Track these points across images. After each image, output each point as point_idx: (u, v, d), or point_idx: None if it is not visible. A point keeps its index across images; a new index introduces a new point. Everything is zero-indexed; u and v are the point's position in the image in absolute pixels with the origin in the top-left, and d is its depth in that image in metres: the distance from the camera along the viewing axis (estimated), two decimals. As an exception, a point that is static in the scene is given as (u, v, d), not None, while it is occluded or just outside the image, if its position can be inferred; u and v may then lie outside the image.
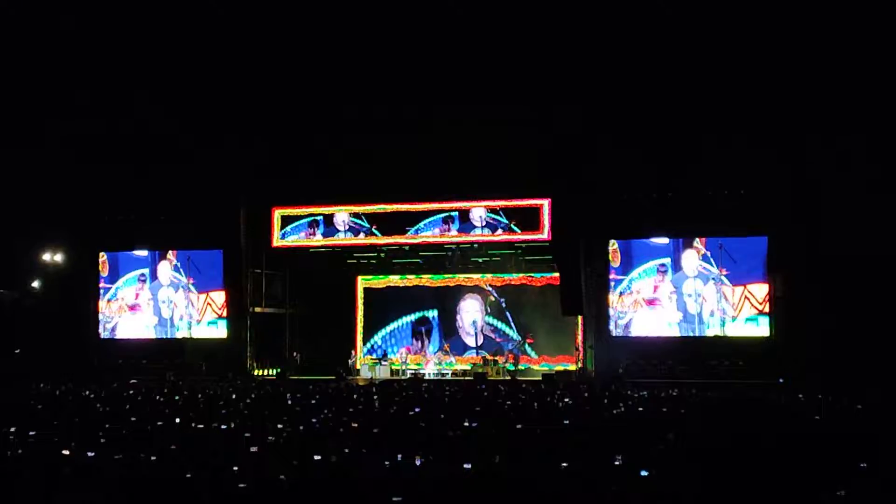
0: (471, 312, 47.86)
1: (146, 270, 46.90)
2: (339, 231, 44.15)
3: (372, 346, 48.79)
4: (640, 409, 21.85)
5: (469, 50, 40.54)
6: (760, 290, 40.24)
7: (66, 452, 12.82)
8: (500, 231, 42.53)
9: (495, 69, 40.53)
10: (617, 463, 11.50)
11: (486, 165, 41.45)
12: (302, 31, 41.49)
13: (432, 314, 48.39)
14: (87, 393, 28.77)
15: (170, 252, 46.53)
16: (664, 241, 41.56)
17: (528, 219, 42.12)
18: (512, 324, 46.95)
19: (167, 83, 42.35)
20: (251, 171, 43.64)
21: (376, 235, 43.78)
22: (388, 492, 10.08)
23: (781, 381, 36.47)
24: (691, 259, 41.18)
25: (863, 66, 37.49)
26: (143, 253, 46.86)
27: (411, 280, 48.70)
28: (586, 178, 40.74)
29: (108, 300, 47.30)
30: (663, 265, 41.47)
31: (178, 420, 18.04)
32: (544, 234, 41.86)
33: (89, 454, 12.54)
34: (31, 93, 42.81)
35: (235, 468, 11.29)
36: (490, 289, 47.55)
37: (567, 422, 17.39)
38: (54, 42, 41.71)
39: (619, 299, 41.80)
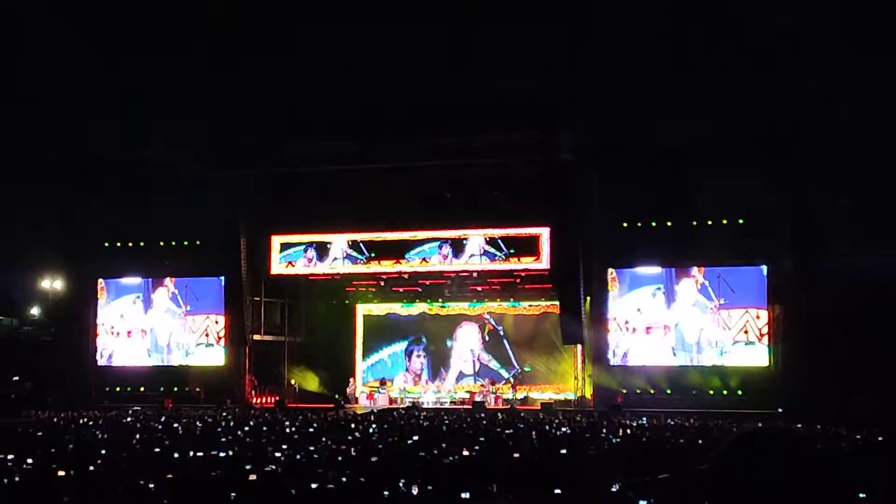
0: (467, 341, 47.82)
1: (141, 296, 46.82)
2: (336, 259, 44.12)
3: (366, 370, 48.78)
4: (644, 438, 21.85)
5: (468, 77, 40.67)
6: (760, 318, 40.24)
7: (61, 473, 12.83)
8: (498, 259, 42.53)
9: (493, 97, 40.59)
10: (614, 490, 11.49)
11: (486, 194, 41.57)
12: (300, 55, 41.64)
13: (430, 342, 48.35)
14: (85, 420, 28.75)
15: (167, 279, 46.51)
16: (658, 270, 41.61)
17: (527, 247, 42.13)
18: (510, 352, 46.91)
19: (167, 110, 42.39)
20: (250, 198, 43.62)
21: (375, 262, 43.76)
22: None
23: (780, 410, 36.44)
24: (689, 288, 41.19)
25: (860, 97, 37.61)
26: (137, 280, 46.80)
27: (410, 309, 48.69)
28: (585, 207, 40.76)
29: (101, 324, 47.16)
30: (661, 292, 41.48)
31: (176, 447, 18.03)
32: (544, 263, 41.85)
33: (86, 480, 12.54)
34: (31, 120, 42.88)
35: (234, 495, 11.28)
36: (488, 317, 47.54)
37: (564, 451, 17.39)
38: (54, 68, 41.84)
39: (617, 326, 41.78)
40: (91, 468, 14.04)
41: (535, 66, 39.98)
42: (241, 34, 41.60)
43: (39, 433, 22.29)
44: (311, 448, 17.77)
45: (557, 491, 11.25)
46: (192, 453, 16.50)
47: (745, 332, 40.42)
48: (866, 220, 37.71)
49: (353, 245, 43.94)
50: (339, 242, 44.11)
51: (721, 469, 3.08)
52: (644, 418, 31.25)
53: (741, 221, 40.38)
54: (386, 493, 11.59)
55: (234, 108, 41.99)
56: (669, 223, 41.21)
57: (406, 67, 41.20)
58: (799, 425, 27.75)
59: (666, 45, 39.28)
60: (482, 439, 19.79)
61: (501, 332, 47.29)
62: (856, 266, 37.77)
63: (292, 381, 47.01)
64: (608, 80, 39.85)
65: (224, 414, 33.78)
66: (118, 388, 45.54)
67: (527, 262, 42.26)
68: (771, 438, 3.10)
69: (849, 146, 37.95)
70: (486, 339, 47.56)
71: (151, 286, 46.82)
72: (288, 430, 23.90)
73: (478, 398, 43.60)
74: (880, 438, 20.48)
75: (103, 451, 16.40)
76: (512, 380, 46.00)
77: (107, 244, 46.73)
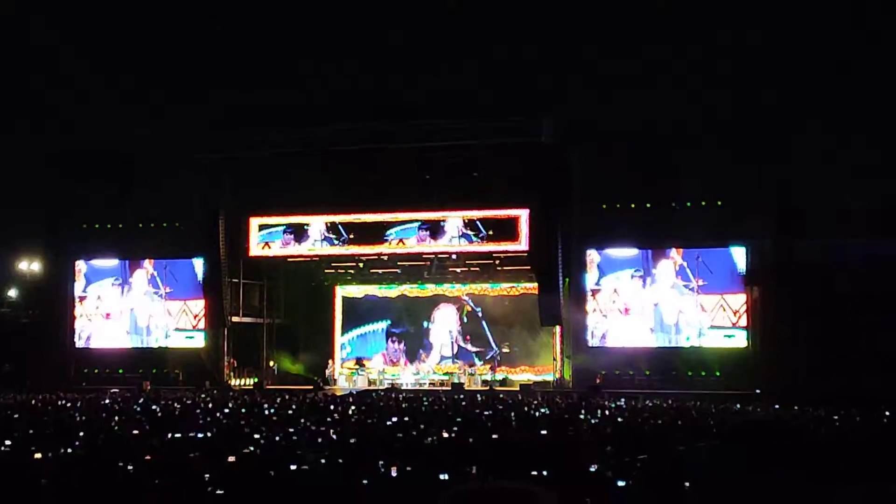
0: (446, 322, 47.85)
1: (120, 279, 46.69)
2: (315, 240, 44.07)
3: (347, 343, 48.82)
4: (622, 419, 21.88)
5: (449, 61, 40.59)
6: (737, 300, 40.36)
7: (38, 456, 12.79)
8: (477, 241, 42.54)
9: (475, 80, 40.57)
10: (593, 470, 11.51)
11: (465, 176, 41.54)
12: (281, 40, 41.49)
13: (409, 323, 48.36)
14: (64, 402, 28.66)
15: (146, 261, 46.35)
16: (637, 252, 41.68)
17: (506, 229, 42.15)
18: (488, 334, 46.95)
19: (144, 92, 42.23)
20: (229, 180, 43.49)
21: (353, 245, 43.74)
22: (364, 503, 10.07)
23: (758, 391, 36.57)
24: (667, 270, 41.27)
25: (838, 85, 37.70)
26: (116, 262, 46.66)
27: (390, 290, 48.66)
28: (565, 189, 40.76)
29: (80, 305, 47.04)
30: (639, 273, 41.55)
31: (154, 429, 17.99)
32: (522, 245, 41.87)
33: (64, 462, 12.51)
34: (10, 103, 42.67)
35: (211, 476, 11.26)
36: (466, 299, 47.54)
37: (544, 432, 17.41)
38: (32, 53, 41.61)
39: (595, 307, 41.84)
40: (69, 450, 14.00)
41: (515, 49, 39.95)
42: (220, 19, 41.42)
43: (17, 415, 22.19)
44: (290, 430, 17.75)
45: (535, 473, 11.25)
46: (170, 435, 16.46)
47: (723, 312, 40.54)
48: (845, 205, 37.79)
49: (332, 227, 43.89)
50: (317, 224, 44.05)
51: (722, 453, 3.09)
52: (622, 399, 31.29)
53: (720, 204, 40.46)
54: (365, 474, 11.58)
55: (214, 93, 41.87)
56: (649, 205, 41.26)
57: (384, 52, 41.10)
58: (776, 406, 27.88)
59: (647, 28, 39.27)
60: (461, 421, 19.79)
61: (480, 314, 47.32)
62: (834, 250, 37.90)
63: (271, 363, 47.00)
64: (589, 62, 39.83)
65: (203, 396, 33.72)
66: (97, 370, 45.47)
67: (506, 244, 42.30)
68: (772, 431, 3.11)
69: (828, 132, 38.03)
70: (465, 320, 47.61)
71: (130, 268, 46.68)
72: (267, 412, 23.86)
73: (457, 380, 43.65)
74: (857, 419, 20.59)
75: (81, 433, 16.34)
76: (491, 361, 46.04)
77: (85, 226, 46.60)
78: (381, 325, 48.88)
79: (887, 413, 22.71)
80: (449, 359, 47.22)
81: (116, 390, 38.29)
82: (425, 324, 48.09)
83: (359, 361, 47.26)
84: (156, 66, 42.05)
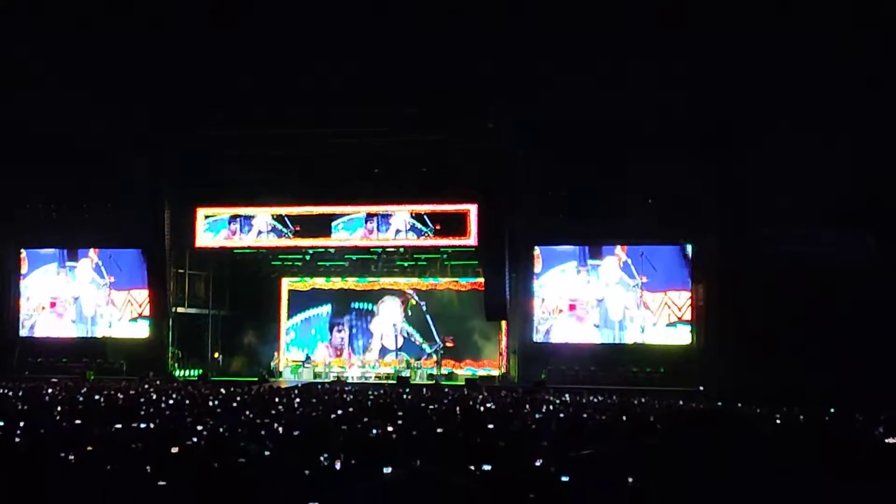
0: (390, 315, 47.92)
1: (64, 267, 46.41)
2: (261, 232, 43.99)
3: (288, 332, 48.82)
4: (567, 414, 21.97)
5: (399, 52, 40.51)
6: (681, 297, 40.68)
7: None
8: (424, 235, 42.61)
9: (424, 74, 40.55)
10: (537, 465, 11.56)
11: (413, 170, 41.56)
12: (231, 26, 41.23)
13: (354, 316, 48.39)
14: (5, 392, 28.42)
15: (91, 250, 46.10)
16: (582, 248, 41.91)
17: (455, 224, 42.24)
18: (433, 328, 47.04)
19: (92, 79, 41.82)
20: (174, 170, 43.24)
21: (299, 237, 43.71)
22: (308, 495, 10.07)
23: (701, 388, 36.87)
24: (612, 266, 41.51)
25: (786, 71, 37.97)
26: (59, 251, 46.43)
27: (336, 283, 48.65)
28: (512, 185, 40.85)
29: (24, 294, 46.79)
30: (584, 269, 41.78)
31: (97, 420, 17.88)
32: (472, 240, 41.98)
33: (5, 452, 12.41)
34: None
35: (152, 468, 11.22)
36: (411, 292, 47.63)
37: (491, 426, 17.47)
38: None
39: (540, 303, 42.04)
40: (10, 440, 13.89)
41: (465, 44, 39.93)
42: (170, 5, 41.10)
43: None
44: (234, 421, 17.71)
45: (482, 467, 11.29)
46: (113, 426, 16.37)
47: (668, 309, 40.85)
48: (790, 200, 38.07)
49: (278, 218, 43.83)
50: (263, 216, 43.98)
51: (670, 447, 3.10)
52: (567, 395, 31.43)
53: (665, 201, 40.72)
54: (308, 466, 11.58)
55: (160, 80, 41.56)
56: (595, 202, 41.45)
57: (335, 41, 40.94)
58: (719, 403, 28.11)
59: (595, 26, 39.35)
60: (406, 414, 19.82)
61: (424, 308, 47.44)
62: (779, 246, 38.20)
63: (216, 355, 46.84)
64: (537, 59, 39.89)
65: (146, 387, 33.55)
66: (40, 360, 45.12)
67: (454, 239, 42.39)
68: (722, 422, 3.12)
69: (775, 126, 38.29)
70: (409, 313, 47.70)
71: (74, 257, 46.39)
72: (211, 404, 23.78)
73: (402, 373, 43.71)
74: (801, 418, 20.77)
75: (22, 423, 16.21)
76: (434, 355, 46.15)
77: (30, 214, 46.22)
78: (325, 310, 48.85)
79: (831, 410, 22.95)
80: (394, 352, 47.28)
81: (55, 380, 38.01)
82: (371, 317, 48.15)
83: (306, 356, 47.29)
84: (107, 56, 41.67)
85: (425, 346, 46.98)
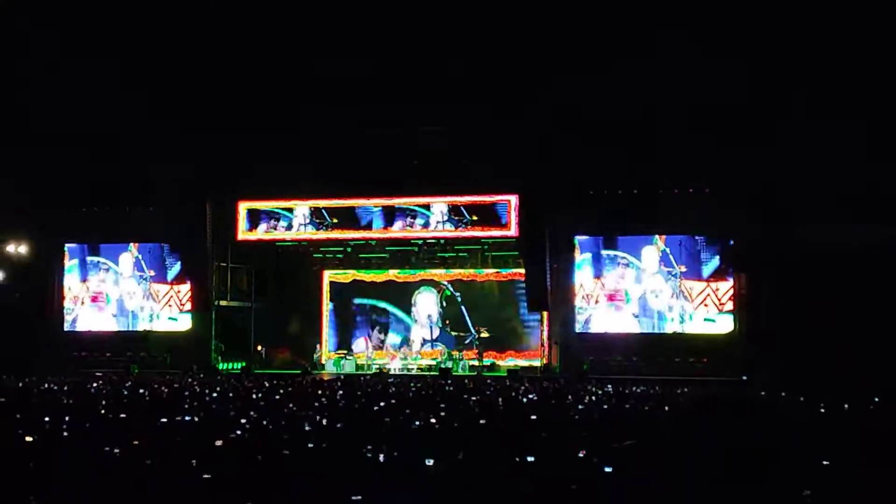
0: (426, 306, 47.96)
1: (107, 261, 46.73)
2: (302, 225, 44.09)
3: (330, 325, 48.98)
4: (609, 405, 21.91)
5: (438, 49, 40.46)
6: (723, 287, 40.48)
7: (29, 440, 12.81)
8: (463, 227, 42.57)
9: (463, 66, 40.48)
10: (580, 456, 11.55)
11: (453, 162, 41.49)
12: (270, 25, 41.32)
13: (396, 308, 48.43)
14: (50, 386, 28.62)
15: (132, 244, 46.35)
16: (622, 237, 41.81)
17: (494, 215, 42.19)
18: (467, 318, 47.06)
19: (135, 79, 42.04)
20: (218, 164, 43.38)
21: (339, 229, 43.76)
22: (350, 488, 10.10)
23: (745, 378, 36.70)
24: (652, 256, 41.37)
25: (829, 71, 37.68)
26: (103, 245, 46.78)
27: (377, 275, 48.71)
28: (552, 176, 40.75)
29: (67, 288, 47.14)
30: (624, 260, 41.66)
31: (142, 413, 17.99)
32: (511, 231, 41.93)
33: (53, 447, 12.52)
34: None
35: (197, 461, 11.28)
36: (446, 284, 47.65)
37: (533, 418, 17.44)
38: (30, 33, 41.47)
39: (582, 293, 41.96)
40: (57, 434, 14.01)
41: (506, 34, 39.86)
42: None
43: (4, 398, 22.18)
44: (277, 414, 17.77)
45: (525, 459, 11.29)
46: (157, 419, 16.47)
47: (710, 299, 40.67)
48: (831, 192, 37.79)
49: (316, 212, 43.89)
50: (302, 209, 44.06)
51: (685, 429, 3.10)
52: (609, 385, 31.33)
53: (707, 191, 40.56)
54: (352, 459, 11.61)
55: (203, 76, 41.73)
56: (635, 191, 41.35)
57: (375, 35, 40.95)
58: (763, 393, 27.95)
59: (633, 15, 39.18)
60: (448, 406, 19.83)
61: (459, 298, 47.46)
62: (821, 237, 37.91)
63: (258, 348, 47.01)
64: (577, 49, 39.74)
65: (190, 380, 33.72)
66: (84, 354, 45.45)
67: (494, 230, 42.34)
68: (734, 404, 3.12)
69: (816, 119, 38.01)
70: (444, 304, 47.69)
71: (117, 251, 46.68)
72: (254, 397, 23.88)
73: (444, 365, 43.73)
74: (846, 406, 20.64)
75: (68, 417, 16.34)
76: (470, 346, 46.17)
77: (72, 209, 46.59)
78: (366, 301, 48.98)
79: (875, 400, 22.80)
80: (428, 343, 47.32)
81: (100, 374, 38.25)
82: (412, 309, 48.18)
83: (349, 347, 47.45)
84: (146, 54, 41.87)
85: (461, 336, 46.92)
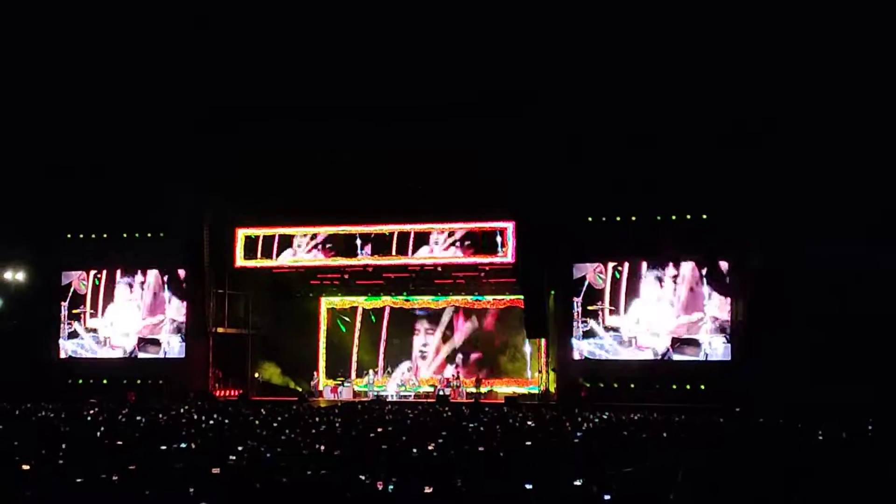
0: (423, 332, 47.91)
1: (104, 288, 46.74)
2: (299, 252, 44.06)
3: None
4: (607, 432, 21.90)
5: (434, 75, 40.58)
6: (720, 313, 40.49)
7: (26, 468, 12.78)
8: (461, 254, 42.52)
9: (458, 92, 40.60)
10: (578, 484, 11.52)
11: (450, 189, 41.41)
12: (269, 43, 41.45)
13: (393, 335, 48.35)
14: (47, 413, 28.58)
15: (130, 271, 46.38)
16: (620, 264, 41.85)
17: (491, 242, 42.16)
18: (468, 346, 47.08)
19: (132, 103, 42.16)
20: (215, 191, 43.33)
21: (337, 256, 43.74)
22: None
23: (738, 410, 36.62)
24: (653, 282, 41.39)
25: (821, 91, 37.83)
26: (100, 272, 46.76)
27: (374, 301, 48.65)
28: (550, 202, 40.77)
29: (64, 316, 47.12)
30: (624, 286, 41.70)
31: (139, 440, 17.97)
32: (508, 258, 41.92)
33: (50, 474, 12.49)
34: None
35: (195, 488, 11.26)
36: (451, 309, 47.54)
37: (529, 444, 17.44)
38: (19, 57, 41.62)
39: (580, 320, 41.97)
40: (53, 461, 13.98)
41: (504, 57, 39.98)
42: (212, 19, 41.34)
43: (1, 425, 22.14)
44: (275, 441, 17.75)
45: (524, 486, 11.27)
46: (155, 446, 16.44)
47: (710, 324, 40.66)
48: (830, 215, 37.87)
49: (316, 238, 43.89)
50: (302, 236, 44.04)
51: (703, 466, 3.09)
52: (607, 412, 31.33)
53: (704, 217, 40.61)
54: (349, 486, 11.59)
55: (201, 102, 41.87)
56: (634, 218, 41.40)
57: (373, 59, 41.06)
58: (761, 420, 27.93)
59: (634, 37, 39.32)
60: (446, 433, 19.81)
61: (472, 324, 47.39)
62: (818, 261, 37.95)
63: (256, 375, 46.91)
64: (576, 73, 39.88)
65: (187, 407, 33.67)
66: (80, 381, 45.39)
67: (491, 257, 42.32)
68: (747, 439, 3.11)
69: (814, 138, 38.14)
70: (446, 333, 47.63)
71: (114, 278, 46.68)
72: (252, 424, 23.85)
73: (442, 392, 43.66)
74: (843, 434, 20.62)
75: (65, 444, 16.32)
76: (468, 369, 46.19)
77: (69, 236, 46.66)
78: (364, 329, 48.89)
79: (869, 426, 22.81)
80: (433, 370, 47.23)
81: (94, 400, 38.22)
82: (410, 335, 48.12)
83: (344, 374, 47.35)
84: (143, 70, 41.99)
85: (461, 364, 46.82)
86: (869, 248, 37.83)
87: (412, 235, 43.07)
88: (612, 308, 41.92)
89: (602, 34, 39.23)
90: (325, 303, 49.37)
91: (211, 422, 24.42)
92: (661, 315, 41.26)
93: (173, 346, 45.89)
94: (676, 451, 15.49)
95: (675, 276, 41.15)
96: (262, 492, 11.47)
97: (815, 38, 37.01)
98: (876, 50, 36.94)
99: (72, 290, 47.13)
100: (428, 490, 11.06)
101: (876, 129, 37.81)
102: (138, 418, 25.83)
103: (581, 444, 18.04)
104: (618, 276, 42.00)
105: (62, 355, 46.98)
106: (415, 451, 15.75)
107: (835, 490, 10.82)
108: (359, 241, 43.51)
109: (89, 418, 26.09)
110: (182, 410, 30.72)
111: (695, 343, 40.80)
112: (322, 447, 16.41)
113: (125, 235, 46.08)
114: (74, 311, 47.12)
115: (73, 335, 47.03)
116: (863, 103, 37.61)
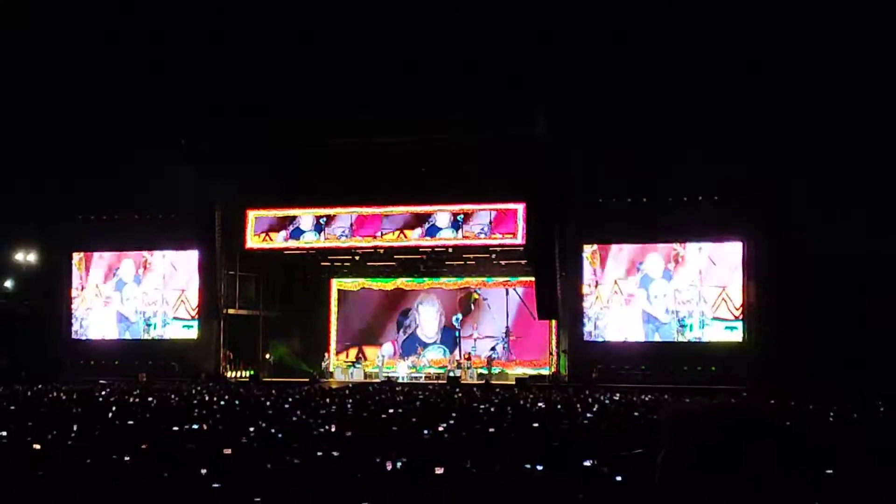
0: (433, 314, 47.91)
1: (115, 269, 46.82)
2: (310, 233, 44.04)
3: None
4: (618, 413, 21.86)
5: (446, 56, 40.53)
6: (734, 295, 40.44)
7: (37, 447, 12.81)
8: (472, 235, 42.47)
9: (471, 74, 40.56)
10: (588, 465, 11.51)
11: (461, 170, 41.35)
12: (280, 33, 41.43)
13: (404, 316, 48.38)
14: (58, 394, 28.64)
15: (142, 252, 46.44)
16: (633, 245, 41.79)
17: (503, 223, 42.11)
18: (485, 326, 47.03)
19: (142, 86, 42.18)
20: (225, 172, 43.31)
21: (347, 237, 43.75)
22: (362, 495, 10.08)
23: (745, 394, 36.52)
24: (664, 264, 41.33)
25: (837, 79, 37.70)
26: (111, 253, 46.81)
27: (385, 283, 48.66)
28: (561, 183, 40.70)
29: (75, 297, 47.22)
30: (636, 267, 41.66)
31: (150, 421, 18.00)
32: (519, 239, 41.86)
33: (61, 454, 12.51)
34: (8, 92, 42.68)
35: (207, 469, 11.26)
36: (475, 288, 47.53)
37: (542, 426, 17.42)
38: (36, 44, 41.66)
39: (592, 301, 41.94)
40: (65, 441, 14.00)
41: (513, 42, 39.91)
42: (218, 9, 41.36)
43: (13, 406, 22.19)
44: (286, 423, 17.76)
45: (530, 466, 11.25)
46: (166, 427, 16.46)
47: (721, 308, 40.61)
48: (843, 199, 37.79)
49: (326, 219, 43.86)
50: (310, 218, 44.00)
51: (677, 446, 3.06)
52: (618, 394, 31.29)
53: (717, 198, 40.53)
54: (360, 467, 11.59)
55: (212, 87, 41.87)
56: (645, 199, 41.33)
57: (380, 46, 41.03)
58: (772, 402, 27.89)
59: (640, 23, 39.24)
60: (457, 414, 19.80)
61: (489, 306, 47.40)
62: (831, 245, 37.85)
63: (267, 356, 46.95)
64: (584, 56, 39.79)
65: (198, 388, 33.72)
66: (92, 362, 45.49)
67: (502, 238, 42.27)
68: (732, 417, 3.07)
69: (825, 127, 38.03)
70: (472, 308, 47.61)
71: (126, 259, 46.74)
72: (263, 405, 23.87)
73: (452, 373, 43.65)
74: (855, 416, 20.58)
75: (76, 425, 16.34)
76: (490, 353, 46.12)
77: (81, 217, 46.69)
78: (376, 309, 48.96)
79: (882, 409, 22.77)
80: (444, 351, 47.23)
81: (104, 382, 38.31)
82: (421, 316, 48.13)
83: (359, 352, 47.45)
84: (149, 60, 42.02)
85: (477, 344, 46.76)
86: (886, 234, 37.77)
87: (426, 217, 43.03)
88: (622, 290, 41.90)
89: (611, 19, 39.17)
90: (336, 284, 49.39)
91: (222, 403, 24.45)
92: (672, 297, 41.21)
93: (187, 326, 45.96)
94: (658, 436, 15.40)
95: (686, 258, 41.08)
96: (273, 472, 11.48)
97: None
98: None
99: (82, 271, 47.21)
100: (439, 471, 11.05)
101: (876, 129, 37.69)
102: (149, 399, 25.87)
103: (591, 426, 18.02)
104: (629, 257, 41.99)
105: (74, 336, 47.06)
106: (426, 432, 15.74)
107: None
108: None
109: (100, 399, 26.13)
110: (194, 391, 30.77)
111: (706, 324, 40.77)
112: (333, 428, 16.42)
113: (136, 217, 46.08)
114: (84, 293, 47.21)
115: (84, 317, 47.12)
116: (863, 101, 37.49)
